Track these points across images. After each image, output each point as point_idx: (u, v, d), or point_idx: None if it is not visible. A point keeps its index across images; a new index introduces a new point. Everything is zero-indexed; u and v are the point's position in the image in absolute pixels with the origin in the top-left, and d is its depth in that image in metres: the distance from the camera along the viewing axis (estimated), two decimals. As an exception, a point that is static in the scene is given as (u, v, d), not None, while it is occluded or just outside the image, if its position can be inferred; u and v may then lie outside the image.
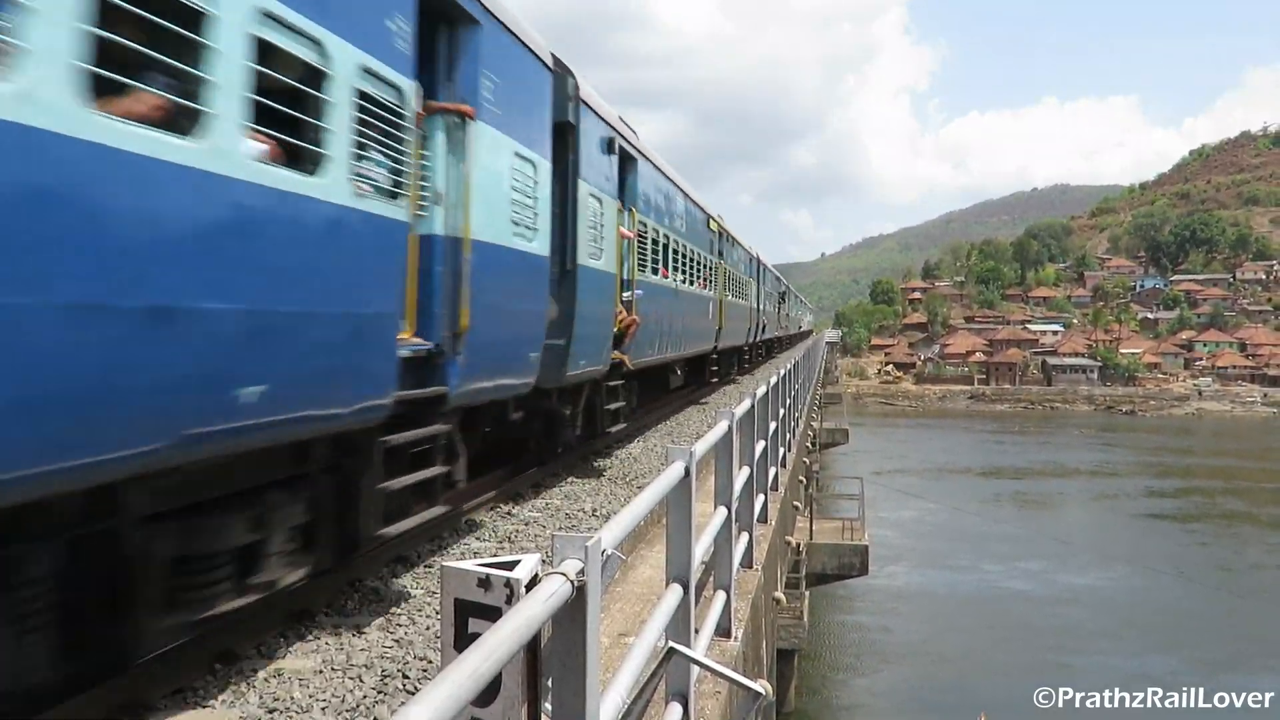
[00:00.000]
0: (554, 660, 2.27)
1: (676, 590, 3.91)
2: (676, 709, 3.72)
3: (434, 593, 6.15)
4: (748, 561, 6.90)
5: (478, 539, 7.82)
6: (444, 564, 2.26)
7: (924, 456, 66.45)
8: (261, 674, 4.81)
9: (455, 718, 1.48)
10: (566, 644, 2.24)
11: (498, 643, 1.69)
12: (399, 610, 5.91)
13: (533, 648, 2.21)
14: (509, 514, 8.81)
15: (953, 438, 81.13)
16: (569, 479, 10.82)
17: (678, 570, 4.04)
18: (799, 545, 16.92)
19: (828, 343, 70.86)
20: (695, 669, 3.87)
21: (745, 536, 6.81)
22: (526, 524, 8.42)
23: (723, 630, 5.29)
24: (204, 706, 4.44)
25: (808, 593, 18.51)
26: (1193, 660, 25.53)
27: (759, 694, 4.15)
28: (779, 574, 11.11)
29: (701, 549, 4.65)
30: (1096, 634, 27.78)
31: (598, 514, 8.84)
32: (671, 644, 3.63)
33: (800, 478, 17.29)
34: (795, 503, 15.32)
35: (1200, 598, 32.11)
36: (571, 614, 2.20)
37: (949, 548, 38.37)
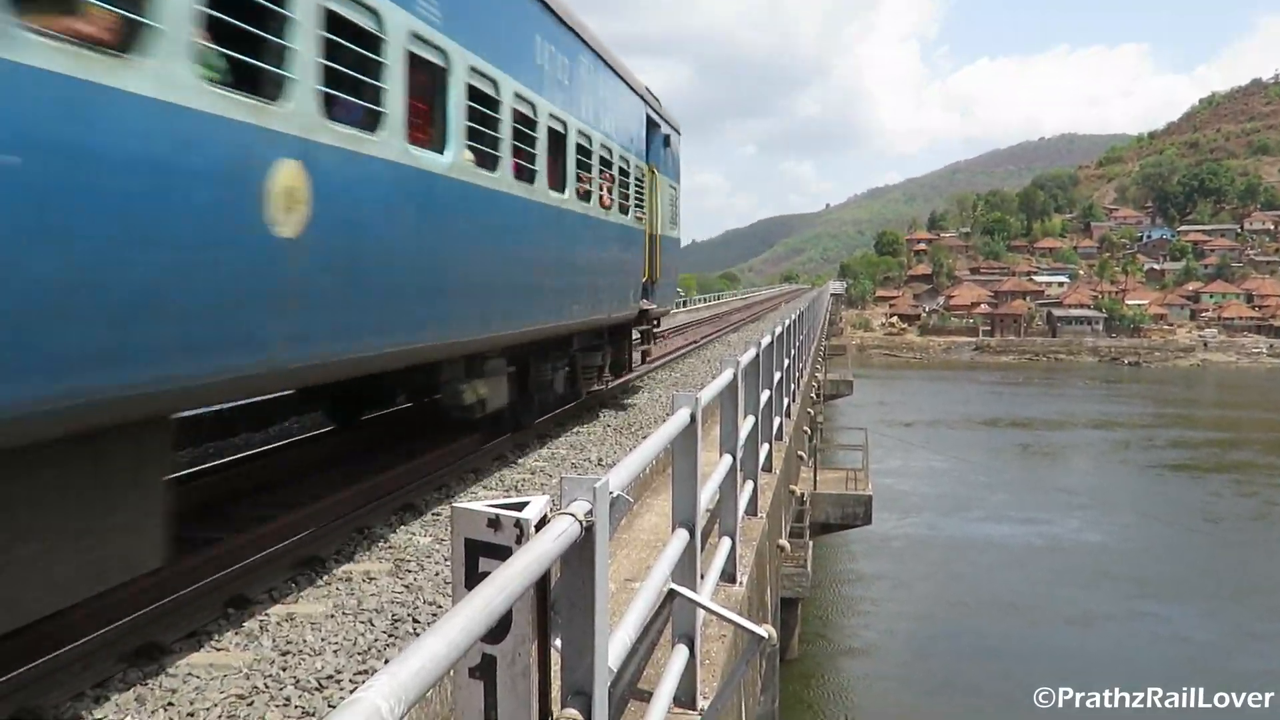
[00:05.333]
0: (563, 600, 2.31)
1: (682, 535, 3.94)
2: (683, 651, 3.77)
3: (441, 540, 6.22)
4: (752, 509, 6.96)
5: (484, 487, 7.89)
6: (454, 504, 2.29)
7: (928, 408, 66.58)
8: (274, 618, 4.89)
9: (467, 651, 1.51)
10: (575, 583, 2.28)
11: (509, 578, 1.71)
12: (407, 557, 5.98)
13: (542, 587, 2.25)
14: (515, 463, 8.88)
15: (957, 389, 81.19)
16: (574, 429, 10.89)
17: (683, 515, 4.06)
18: (803, 495, 17.05)
19: (832, 294, 70.65)
20: (701, 612, 3.92)
21: (750, 484, 6.87)
22: (533, 473, 8.49)
23: (728, 576, 5.36)
24: (218, 649, 4.52)
25: (811, 542, 18.69)
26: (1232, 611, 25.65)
27: (762, 638, 4.21)
28: (783, 523, 11.19)
29: (707, 496, 4.69)
30: (1104, 579, 27.97)
31: (603, 463, 8.90)
32: (675, 586, 3.67)
33: (805, 428, 17.35)
34: (800, 453, 15.38)
35: (1218, 547, 32.18)
36: (580, 554, 2.23)
37: (953, 498, 38.56)
